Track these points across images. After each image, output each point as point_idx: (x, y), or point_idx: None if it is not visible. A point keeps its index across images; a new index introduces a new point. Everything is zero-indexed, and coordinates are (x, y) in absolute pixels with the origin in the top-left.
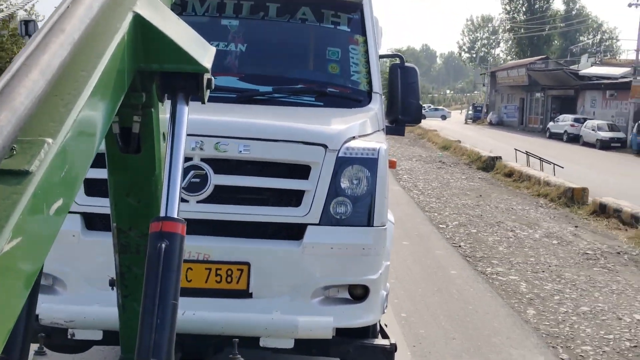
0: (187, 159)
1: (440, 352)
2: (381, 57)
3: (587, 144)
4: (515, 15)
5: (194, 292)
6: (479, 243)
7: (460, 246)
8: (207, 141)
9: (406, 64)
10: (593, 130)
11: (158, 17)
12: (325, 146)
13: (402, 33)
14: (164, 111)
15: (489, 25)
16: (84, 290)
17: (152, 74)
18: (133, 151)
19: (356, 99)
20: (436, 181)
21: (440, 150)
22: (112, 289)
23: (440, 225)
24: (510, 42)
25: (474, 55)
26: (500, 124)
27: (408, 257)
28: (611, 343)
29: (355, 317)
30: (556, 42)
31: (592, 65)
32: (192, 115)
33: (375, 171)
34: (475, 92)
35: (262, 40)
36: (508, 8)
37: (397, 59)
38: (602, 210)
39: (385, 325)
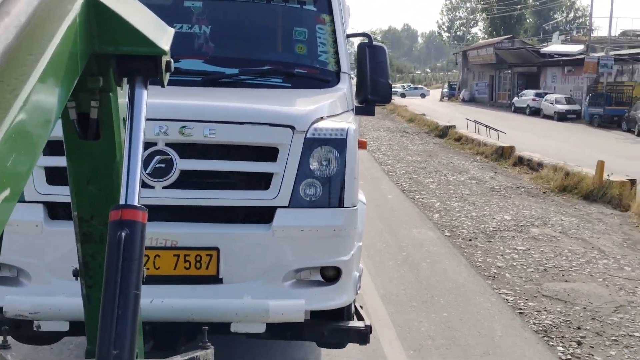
0: (151, 144)
1: (367, 230)
2: (349, 36)
3: (546, 117)
4: None
5: (162, 280)
6: (416, 183)
7: (401, 185)
8: (172, 125)
9: (374, 43)
10: (551, 103)
11: None
12: (292, 127)
13: (383, 13)
14: (123, 96)
15: (467, 4)
16: (49, 281)
17: (108, 57)
18: (92, 138)
19: (324, 79)
20: (397, 146)
21: (406, 122)
22: (77, 279)
23: (390, 173)
24: (483, 22)
25: (454, 35)
26: (472, 100)
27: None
28: (480, 227)
29: (328, 299)
30: (530, 20)
31: (562, 43)
32: (156, 99)
33: (344, 152)
34: (454, 70)
35: (226, 21)
36: None
37: (366, 37)
38: (519, 162)
39: (361, 307)
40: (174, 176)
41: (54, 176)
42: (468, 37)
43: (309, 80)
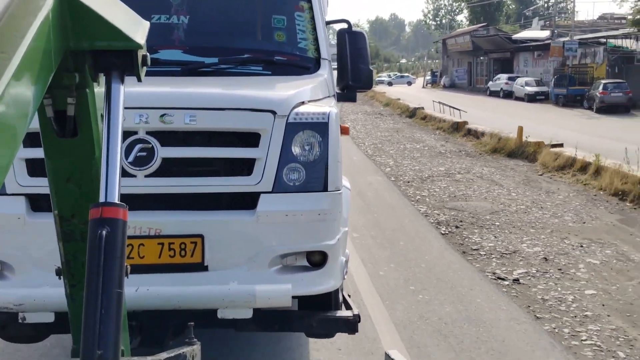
0: (132, 133)
1: None
2: (328, 23)
3: (518, 98)
4: None
5: (147, 269)
6: (379, 150)
7: (367, 151)
8: (152, 113)
9: (354, 29)
10: (522, 86)
11: None
12: (273, 112)
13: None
14: (100, 92)
15: None
16: (33, 272)
17: (84, 52)
18: (70, 135)
19: (304, 66)
20: (370, 125)
21: (382, 106)
22: (60, 278)
23: (360, 145)
24: (467, 10)
25: (439, 23)
26: (452, 86)
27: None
28: (418, 175)
29: (315, 284)
30: (513, 6)
31: (541, 29)
32: (135, 87)
33: (326, 135)
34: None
35: (205, 11)
36: None
37: (345, 23)
38: (469, 133)
39: (349, 296)
40: (155, 164)
41: (35, 168)
42: (453, 24)
43: (289, 68)
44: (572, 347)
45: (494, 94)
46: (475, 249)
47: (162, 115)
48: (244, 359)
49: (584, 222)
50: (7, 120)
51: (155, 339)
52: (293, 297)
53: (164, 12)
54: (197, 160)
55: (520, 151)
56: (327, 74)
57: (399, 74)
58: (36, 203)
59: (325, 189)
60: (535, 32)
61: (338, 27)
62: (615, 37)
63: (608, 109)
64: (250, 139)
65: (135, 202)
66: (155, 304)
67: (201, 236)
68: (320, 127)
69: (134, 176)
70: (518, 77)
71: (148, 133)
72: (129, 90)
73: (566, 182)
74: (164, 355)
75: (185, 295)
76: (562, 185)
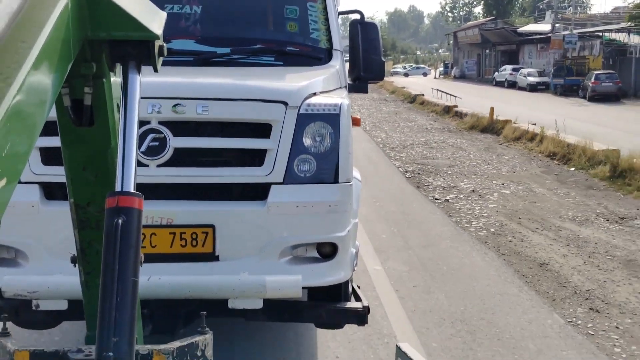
0: (144, 123)
1: None
2: (340, 13)
3: (521, 88)
4: None
5: (159, 258)
6: (376, 127)
7: (365, 129)
8: (165, 103)
9: (366, 20)
10: (524, 76)
11: None
12: (285, 103)
13: None
14: (117, 82)
15: None
16: (47, 260)
17: (101, 42)
18: (87, 124)
19: (316, 56)
20: (374, 109)
21: (388, 94)
22: (74, 265)
23: (362, 125)
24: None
25: (456, 15)
26: (462, 77)
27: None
28: (402, 144)
29: (325, 275)
30: None
31: (553, 22)
32: (149, 78)
33: (338, 127)
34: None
35: (218, 1)
36: None
37: (357, 14)
38: (456, 114)
39: (358, 287)
40: (168, 154)
41: (49, 156)
42: (470, 17)
43: (300, 58)
44: (465, 228)
45: (500, 84)
46: (426, 185)
47: (174, 105)
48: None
49: (515, 172)
50: (26, 108)
51: (167, 327)
52: (303, 288)
53: (177, 2)
54: (208, 150)
55: (491, 127)
56: (339, 65)
57: (414, 65)
58: (50, 191)
59: (336, 181)
60: (539, 26)
61: (351, 17)
62: (610, 31)
63: (599, 97)
64: (262, 129)
65: (147, 191)
66: (167, 293)
67: (212, 226)
68: (331, 118)
69: (146, 166)
70: (522, 68)
71: (160, 123)
72: (142, 80)
73: (517, 149)
74: (177, 344)
75: (197, 285)
76: (512, 151)
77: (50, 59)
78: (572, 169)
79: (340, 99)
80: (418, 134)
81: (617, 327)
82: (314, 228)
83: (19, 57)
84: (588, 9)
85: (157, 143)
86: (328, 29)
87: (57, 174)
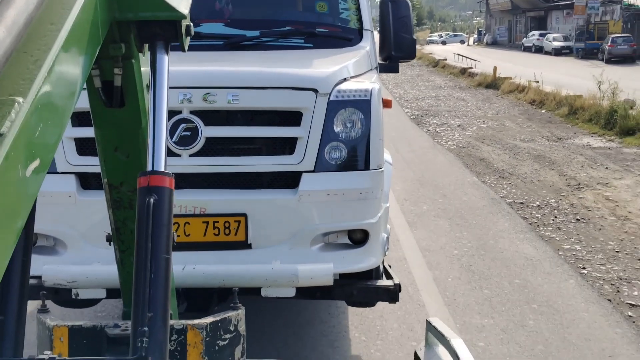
0: (176, 112)
1: None
2: None
3: (547, 53)
4: None
5: (193, 246)
6: (397, 86)
7: (388, 87)
8: (195, 93)
9: None
10: (550, 41)
11: None
12: (315, 90)
13: None
14: (146, 62)
15: None
16: (85, 249)
17: (129, 23)
18: (117, 105)
19: (346, 37)
20: (400, 72)
21: (416, 59)
22: (110, 244)
23: (385, 84)
24: None
25: None
26: (494, 43)
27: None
28: (416, 97)
29: (356, 261)
30: None
31: None
32: (179, 66)
33: (368, 113)
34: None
35: None
36: None
37: None
38: (470, 75)
39: (389, 266)
40: (199, 144)
41: (84, 147)
42: None
43: (330, 40)
44: (442, 145)
45: (527, 49)
46: (424, 123)
47: (205, 95)
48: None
49: (497, 114)
50: (57, 90)
51: (201, 305)
52: (334, 275)
53: None
54: (239, 139)
55: (494, 84)
56: (370, 45)
57: (452, 33)
58: (86, 181)
59: (367, 168)
60: None
61: None
62: None
63: (616, 59)
64: (292, 117)
65: (180, 181)
66: (201, 282)
67: (244, 215)
68: (362, 104)
69: (179, 155)
70: (548, 33)
71: (192, 112)
72: (173, 69)
73: (508, 99)
74: (210, 319)
75: (230, 274)
76: (504, 100)
77: (79, 41)
78: (543, 110)
79: (371, 83)
80: (432, 90)
81: (511, 183)
82: (345, 215)
83: (48, 40)
84: None
85: (188, 133)
86: (358, 9)
87: (92, 164)
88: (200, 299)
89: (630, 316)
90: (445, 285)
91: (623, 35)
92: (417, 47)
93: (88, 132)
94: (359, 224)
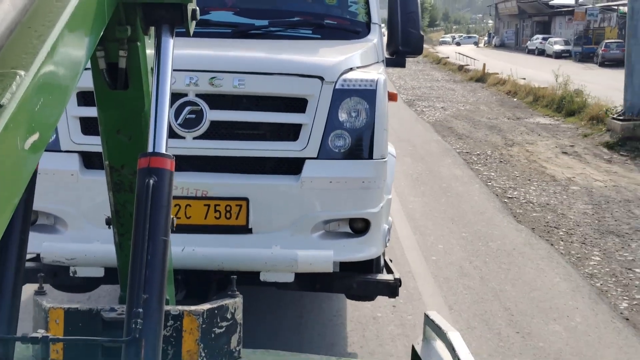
0: (182, 95)
1: None
2: None
3: (548, 56)
4: None
5: (193, 229)
6: (400, 79)
7: (392, 79)
8: (202, 76)
9: None
10: (551, 45)
11: None
12: (321, 78)
13: None
14: (151, 45)
15: None
16: (85, 228)
17: (135, 5)
18: (121, 87)
19: (354, 30)
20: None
21: (422, 57)
22: (109, 227)
23: (389, 75)
24: None
25: None
26: (502, 45)
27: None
28: (413, 87)
29: (357, 250)
30: None
31: None
32: (186, 50)
33: (374, 103)
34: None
35: None
36: None
37: None
38: (465, 71)
39: (390, 261)
40: (204, 127)
41: (88, 126)
42: None
43: (338, 32)
44: (424, 119)
45: (531, 52)
46: (414, 105)
47: (211, 78)
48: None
49: (477, 100)
50: (59, 67)
51: (200, 292)
52: (334, 263)
53: None
54: (244, 124)
55: (483, 78)
56: (377, 38)
57: (465, 35)
58: (89, 160)
59: (370, 157)
60: None
61: None
62: (625, 5)
63: (609, 63)
64: (297, 104)
65: (183, 163)
66: (200, 264)
67: (246, 199)
68: (367, 94)
69: (183, 138)
70: (550, 37)
71: (197, 95)
72: (180, 52)
73: (490, 90)
74: (207, 306)
75: (230, 257)
76: (486, 91)
77: (84, 20)
78: (515, 99)
79: (377, 74)
80: (429, 82)
81: (464, 142)
82: (346, 203)
83: (53, 16)
84: None
85: (193, 116)
86: (367, 2)
87: (96, 143)
88: (199, 286)
89: (505, 202)
90: (398, 188)
91: (616, 40)
92: (429, 47)
93: (93, 111)
94: (360, 213)
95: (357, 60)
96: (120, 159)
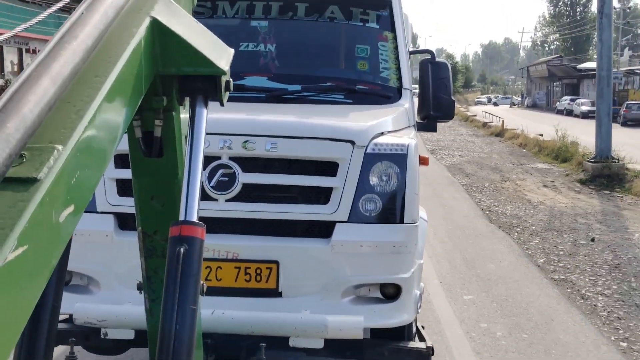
0: (215, 158)
1: None
2: (411, 53)
3: (576, 116)
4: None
5: (223, 291)
6: (427, 133)
7: (420, 133)
8: (235, 140)
9: (437, 60)
10: (578, 106)
11: (176, 21)
12: (352, 142)
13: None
14: (186, 114)
15: (560, 20)
16: (117, 289)
17: (171, 77)
18: (156, 155)
19: (386, 95)
20: None
21: None
22: (140, 292)
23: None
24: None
25: (546, 49)
26: (534, 106)
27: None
28: (438, 140)
29: (388, 317)
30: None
31: (629, 57)
32: (220, 114)
33: (404, 167)
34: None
35: (291, 39)
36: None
37: (428, 54)
38: (488, 127)
39: (422, 327)
40: (236, 189)
41: (124, 188)
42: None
43: (370, 97)
44: (442, 163)
45: (560, 112)
46: (436, 153)
47: (244, 142)
48: None
49: (492, 150)
50: (97, 140)
51: (230, 358)
52: (365, 329)
53: (252, 40)
54: (275, 186)
55: (502, 133)
56: (409, 103)
57: (502, 95)
58: (124, 221)
59: (401, 221)
60: (593, 63)
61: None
62: None
63: (631, 123)
64: (329, 167)
65: (215, 225)
66: (229, 327)
67: (276, 262)
68: (398, 158)
69: (215, 200)
70: (578, 98)
71: (231, 158)
72: (215, 116)
73: (506, 143)
74: None
75: (259, 321)
76: (502, 144)
77: (122, 93)
78: (524, 150)
79: (408, 138)
80: (453, 136)
81: (469, 178)
82: (377, 268)
83: (92, 91)
84: None
85: (226, 178)
86: (398, 68)
87: (131, 205)
88: (229, 351)
89: (486, 213)
90: None
91: (637, 102)
92: (460, 107)
93: (129, 173)
94: (391, 278)
95: (388, 124)
96: (153, 226)
